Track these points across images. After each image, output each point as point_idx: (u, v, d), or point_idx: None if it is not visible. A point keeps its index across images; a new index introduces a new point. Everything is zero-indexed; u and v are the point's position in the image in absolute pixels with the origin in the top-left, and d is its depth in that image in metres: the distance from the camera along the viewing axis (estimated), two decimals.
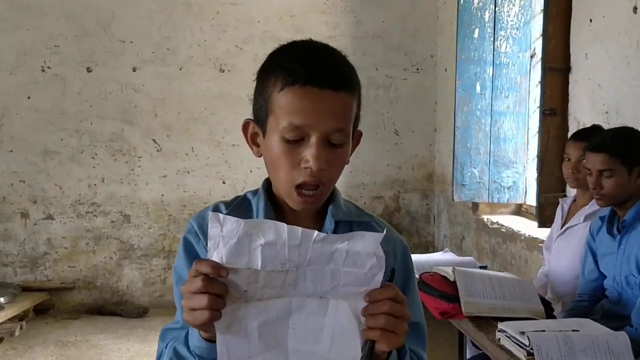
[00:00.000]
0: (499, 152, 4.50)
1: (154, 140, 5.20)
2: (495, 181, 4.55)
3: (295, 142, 1.10)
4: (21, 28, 4.95)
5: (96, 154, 5.18)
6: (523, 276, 3.98)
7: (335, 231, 1.20)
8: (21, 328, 4.58)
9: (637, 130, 2.46)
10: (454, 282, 2.50)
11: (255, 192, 1.25)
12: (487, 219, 4.62)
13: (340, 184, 1.19)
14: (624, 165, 2.36)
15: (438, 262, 3.02)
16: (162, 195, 5.26)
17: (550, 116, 3.45)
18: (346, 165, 1.17)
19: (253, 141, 1.21)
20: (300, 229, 0.97)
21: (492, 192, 4.54)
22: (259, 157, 1.19)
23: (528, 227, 4.12)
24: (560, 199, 3.02)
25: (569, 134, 3.30)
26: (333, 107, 1.09)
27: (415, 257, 3.20)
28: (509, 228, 4.26)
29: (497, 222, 4.47)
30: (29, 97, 5.02)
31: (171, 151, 5.23)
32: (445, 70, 5.24)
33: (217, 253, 0.96)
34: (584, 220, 2.81)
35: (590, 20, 3.24)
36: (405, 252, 1.28)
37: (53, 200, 5.15)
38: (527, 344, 1.97)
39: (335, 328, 1.01)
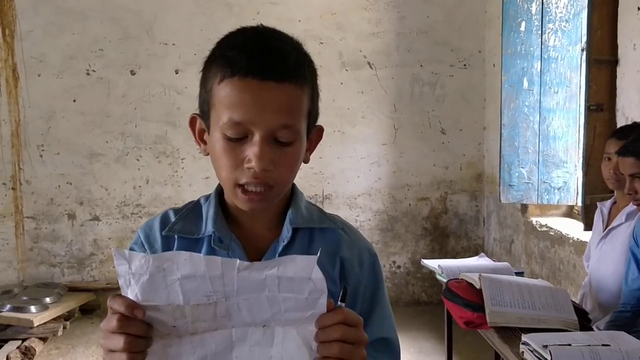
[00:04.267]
0: (549, 150, 4.27)
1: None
2: (544, 181, 4.32)
3: (238, 139, 1.00)
4: (66, 32, 5.03)
5: (141, 156, 5.22)
6: (571, 283, 3.76)
7: (293, 238, 1.10)
8: (65, 328, 4.64)
9: None
10: (481, 290, 2.35)
11: (208, 197, 1.16)
12: (536, 221, 4.40)
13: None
14: None
15: (470, 268, 2.85)
16: None
17: (597, 112, 3.23)
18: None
19: (201, 138, 1.11)
20: (219, 258, 0.84)
21: (542, 193, 4.31)
22: (207, 155, 1.09)
23: (577, 230, 3.88)
24: (598, 203, 2.80)
25: None
26: (277, 101, 0.98)
27: (446, 263, 3.05)
28: (557, 231, 4.03)
29: (546, 224, 4.25)
30: (74, 100, 5.09)
31: None
32: (494, 65, 5.03)
33: (130, 290, 0.85)
34: (626, 220, 2.60)
35: (638, 9, 3.01)
36: (374, 260, 1.16)
37: (99, 202, 5.21)
38: (549, 358, 1.81)
39: (284, 358, 0.90)
